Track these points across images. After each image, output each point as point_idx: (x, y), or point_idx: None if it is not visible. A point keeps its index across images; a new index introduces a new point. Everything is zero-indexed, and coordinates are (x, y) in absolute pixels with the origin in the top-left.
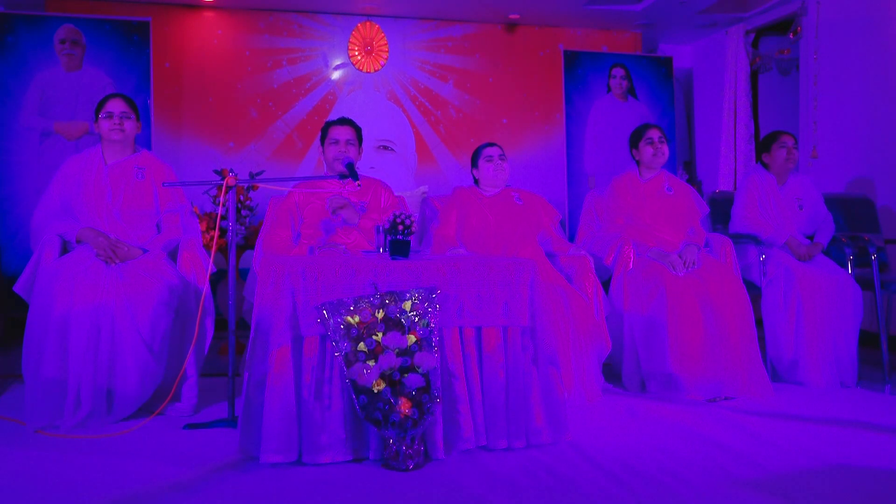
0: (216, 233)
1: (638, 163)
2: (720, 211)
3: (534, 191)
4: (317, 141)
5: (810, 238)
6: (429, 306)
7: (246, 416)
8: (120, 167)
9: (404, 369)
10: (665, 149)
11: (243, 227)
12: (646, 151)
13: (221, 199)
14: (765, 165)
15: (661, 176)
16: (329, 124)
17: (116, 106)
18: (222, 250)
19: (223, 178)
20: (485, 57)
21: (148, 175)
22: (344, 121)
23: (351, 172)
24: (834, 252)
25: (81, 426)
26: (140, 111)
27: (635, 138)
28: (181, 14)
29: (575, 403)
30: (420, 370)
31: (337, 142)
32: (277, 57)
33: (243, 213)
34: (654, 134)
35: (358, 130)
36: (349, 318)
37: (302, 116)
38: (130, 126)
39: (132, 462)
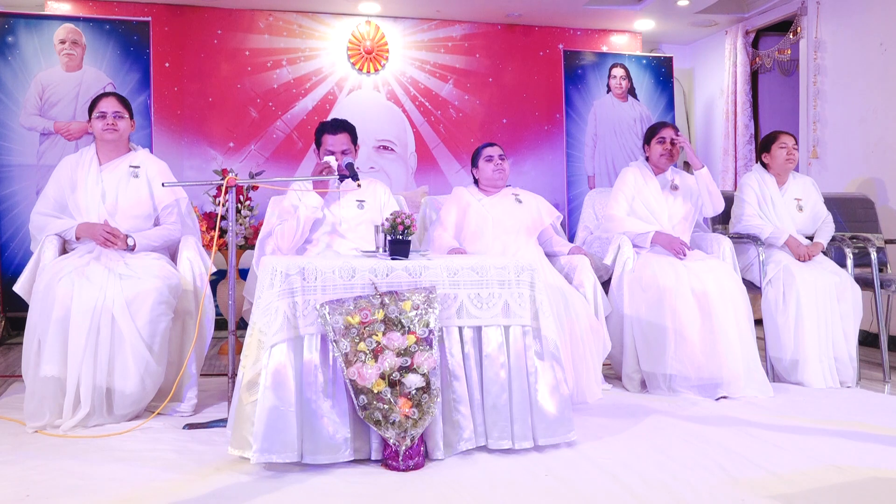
0: (216, 233)
1: (647, 159)
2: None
3: (534, 191)
4: None
5: (810, 238)
6: (429, 306)
7: (242, 416)
8: (114, 166)
9: (404, 369)
10: (676, 150)
11: (243, 227)
12: (655, 150)
13: (221, 199)
14: (765, 165)
15: (669, 175)
16: (323, 129)
17: (109, 105)
18: (222, 250)
19: (223, 178)
20: (485, 57)
21: (143, 173)
22: (338, 126)
23: (351, 172)
24: (834, 252)
25: (81, 426)
26: (140, 111)
27: (649, 136)
28: (181, 14)
29: (575, 403)
30: (420, 370)
31: (332, 153)
32: (277, 57)
33: (243, 213)
34: (668, 133)
35: (353, 133)
36: (349, 318)
37: (302, 116)
38: (124, 125)
39: (131, 462)
